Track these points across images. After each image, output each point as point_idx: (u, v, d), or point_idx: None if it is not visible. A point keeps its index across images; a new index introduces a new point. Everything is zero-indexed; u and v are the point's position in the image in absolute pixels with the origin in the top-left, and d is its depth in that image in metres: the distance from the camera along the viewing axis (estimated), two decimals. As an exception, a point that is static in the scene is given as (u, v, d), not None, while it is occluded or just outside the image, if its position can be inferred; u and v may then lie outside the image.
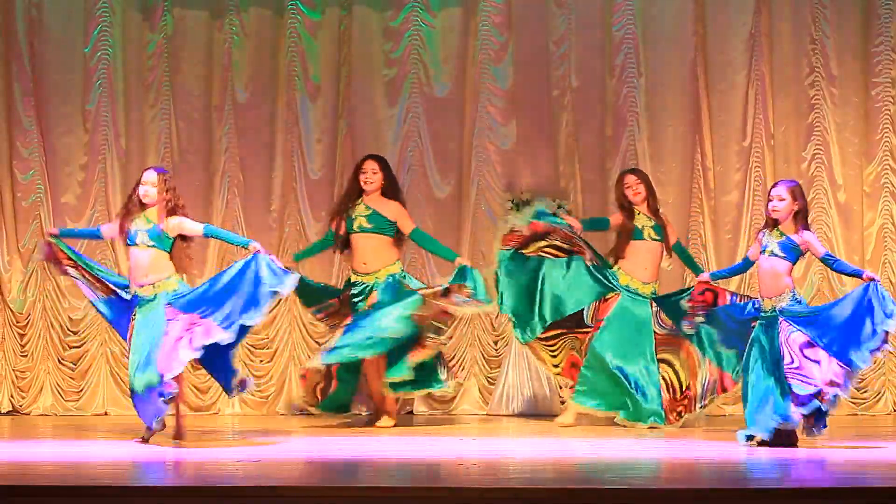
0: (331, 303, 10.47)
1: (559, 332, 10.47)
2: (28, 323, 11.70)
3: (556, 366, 10.49)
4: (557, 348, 10.50)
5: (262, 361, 11.64)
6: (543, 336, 10.46)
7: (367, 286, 10.34)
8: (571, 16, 11.78)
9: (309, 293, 10.48)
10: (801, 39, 11.68)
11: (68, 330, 11.67)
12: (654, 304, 10.41)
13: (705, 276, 9.47)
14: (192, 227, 9.17)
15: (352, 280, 10.48)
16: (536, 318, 10.48)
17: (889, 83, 11.64)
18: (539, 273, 10.49)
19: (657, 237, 10.49)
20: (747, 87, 11.69)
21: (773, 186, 9.23)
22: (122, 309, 9.13)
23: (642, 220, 10.49)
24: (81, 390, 11.57)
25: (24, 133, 11.75)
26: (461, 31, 11.84)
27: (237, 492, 6.73)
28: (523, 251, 10.50)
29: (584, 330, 10.41)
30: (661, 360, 10.28)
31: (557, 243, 10.51)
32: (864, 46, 11.65)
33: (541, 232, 10.52)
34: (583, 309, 10.44)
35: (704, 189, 11.70)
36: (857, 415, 11.47)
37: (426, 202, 11.80)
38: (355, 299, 10.35)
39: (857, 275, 9.15)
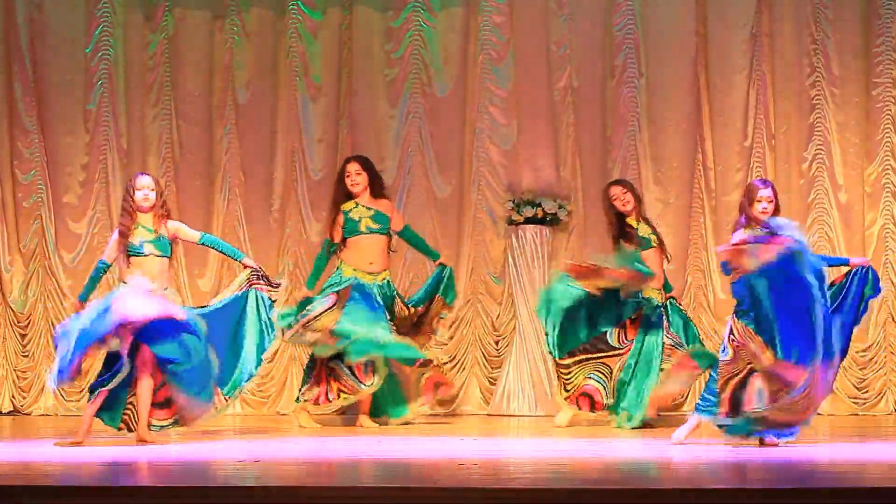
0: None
1: (584, 357, 10.30)
2: (29, 323, 11.72)
3: (566, 389, 10.32)
4: (572, 377, 10.31)
5: (262, 362, 11.62)
6: (565, 361, 10.29)
7: (368, 287, 10.32)
8: (572, 16, 11.79)
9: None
10: (802, 39, 11.68)
11: (69, 330, 11.67)
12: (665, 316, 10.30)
13: None
14: (190, 234, 9.18)
15: (346, 277, 10.41)
16: (570, 337, 10.32)
17: (890, 83, 11.64)
18: (582, 300, 10.29)
19: (658, 242, 10.38)
20: (748, 87, 11.69)
21: (759, 188, 9.04)
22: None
23: (646, 229, 10.32)
24: (82, 391, 11.51)
25: (25, 133, 11.77)
26: (462, 32, 11.85)
27: (237, 492, 6.73)
28: (578, 282, 10.32)
29: (615, 353, 10.25)
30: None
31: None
32: (865, 46, 11.66)
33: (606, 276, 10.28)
34: (606, 332, 10.31)
35: (705, 189, 11.70)
36: (857, 415, 11.47)
37: (427, 202, 11.81)
38: (356, 299, 10.32)
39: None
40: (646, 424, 10.06)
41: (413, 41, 11.87)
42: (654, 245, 10.27)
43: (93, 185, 11.79)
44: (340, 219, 10.38)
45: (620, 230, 10.27)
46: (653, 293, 10.21)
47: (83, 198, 11.80)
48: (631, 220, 10.28)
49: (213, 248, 9.40)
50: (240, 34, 11.86)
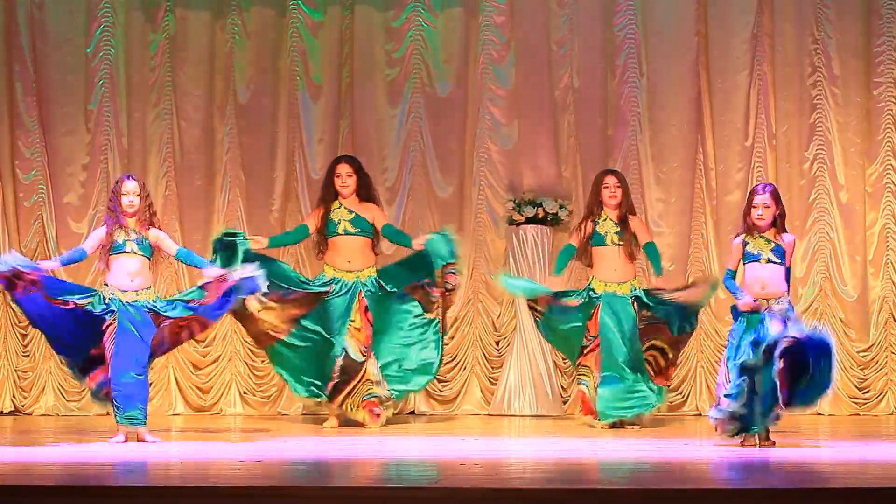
0: (292, 291, 10.40)
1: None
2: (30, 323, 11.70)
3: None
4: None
5: (263, 361, 11.63)
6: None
7: (350, 284, 10.37)
8: (573, 16, 11.78)
9: (278, 278, 10.29)
10: (803, 39, 11.67)
11: (70, 330, 11.67)
12: (635, 303, 10.33)
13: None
14: (168, 245, 9.26)
15: (329, 277, 10.45)
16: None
17: (891, 83, 11.63)
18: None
19: (619, 242, 10.31)
20: (749, 86, 11.68)
21: (756, 194, 9.08)
22: (83, 321, 9.10)
23: (607, 226, 10.36)
24: (83, 390, 11.53)
25: (27, 133, 11.76)
26: (463, 32, 11.85)
27: (238, 492, 6.73)
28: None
29: (588, 351, 10.36)
30: (649, 347, 10.28)
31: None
32: (866, 46, 11.65)
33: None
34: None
35: (706, 189, 11.69)
36: (859, 415, 11.46)
37: (428, 202, 11.81)
38: (334, 296, 10.37)
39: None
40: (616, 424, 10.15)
41: (414, 41, 11.86)
42: (610, 244, 10.30)
43: (94, 185, 11.78)
44: (323, 214, 10.47)
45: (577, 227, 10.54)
46: (620, 288, 10.26)
47: (84, 198, 11.79)
48: (605, 213, 10.34)
49: (186, 262, 9.52)
50: (241, 34, 11.85)
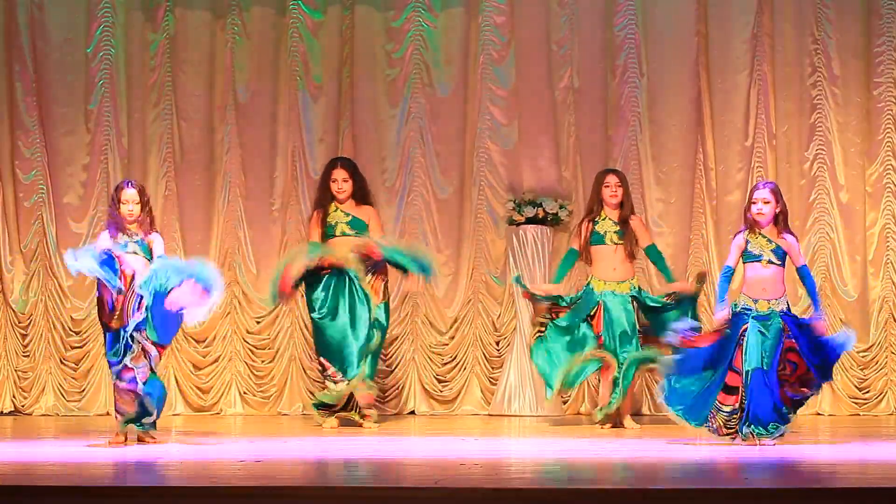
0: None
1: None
2: (30, 323, 11.71)
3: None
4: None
5: (263, 361, 11.64)
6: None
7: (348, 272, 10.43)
8: (573, 16, 11.78)
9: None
10: (804, 39, 11.67)
11: (70, 330, 11.67)
12: (634, 302, 10.33)
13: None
14: (156, 251, 9.22)
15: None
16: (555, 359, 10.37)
17: (891, 83, 11.63)
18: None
19: (619, 241, 10.32)
20: (749, 87, 11.68)
21: (756, 189, 9.12)
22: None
23: (606, 225, 10.37)
24: (83, 390, 11.59)
25: (27, 133, 11.76)
26: (463, 32, 11.85)
27: (238, 492, 6.73)
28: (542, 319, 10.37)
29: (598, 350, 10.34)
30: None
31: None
32: (866, 46, 11.65)
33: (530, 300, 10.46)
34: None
35: (706, 189, 11.69)
36: (859, 415, 11.46)
37: (428, 202, 11.81)
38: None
39: (814, 302, 9.08)
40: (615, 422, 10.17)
41: (414, 41, 11.86)
42: (609, 242, 10.30)
43: (94, 186, 11.78)
44: (322, 219, 10.46)
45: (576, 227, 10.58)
46: (620, 287, 10.24)
47: (84, 198, 11.79)
48: (604, 213, 10.33)
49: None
50: (241, 34, 11.85)
